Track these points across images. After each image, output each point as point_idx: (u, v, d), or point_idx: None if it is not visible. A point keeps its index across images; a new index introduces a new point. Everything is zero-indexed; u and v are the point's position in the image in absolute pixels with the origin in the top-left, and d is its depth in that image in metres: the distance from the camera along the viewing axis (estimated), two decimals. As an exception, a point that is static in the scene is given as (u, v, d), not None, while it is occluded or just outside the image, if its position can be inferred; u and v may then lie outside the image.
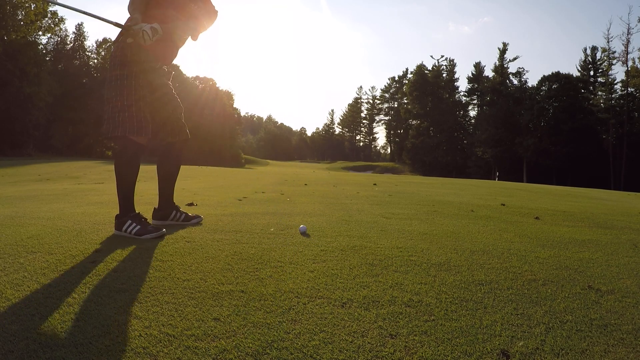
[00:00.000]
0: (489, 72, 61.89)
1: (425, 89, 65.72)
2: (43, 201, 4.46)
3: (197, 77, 51.92)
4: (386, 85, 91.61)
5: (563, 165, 45.57)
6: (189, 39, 2.74)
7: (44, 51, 44.52)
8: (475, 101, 64.98)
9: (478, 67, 63.59)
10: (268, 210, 3.64)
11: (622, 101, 45.41)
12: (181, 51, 2.78)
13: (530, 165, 49.25)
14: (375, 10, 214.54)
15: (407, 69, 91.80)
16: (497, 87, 54.96)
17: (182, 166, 2.96)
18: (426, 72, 67.66)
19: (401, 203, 4.62)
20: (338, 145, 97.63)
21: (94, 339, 1.21)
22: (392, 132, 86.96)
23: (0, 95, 35.04)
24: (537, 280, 1.84)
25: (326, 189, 6.88)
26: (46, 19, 41.29)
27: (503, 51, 56.84)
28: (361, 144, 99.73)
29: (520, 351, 1.21)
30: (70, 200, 4.59)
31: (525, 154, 48.65)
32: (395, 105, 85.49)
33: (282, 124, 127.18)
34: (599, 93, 48.71)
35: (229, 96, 53.70)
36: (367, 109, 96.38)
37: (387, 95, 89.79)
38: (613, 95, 46.58)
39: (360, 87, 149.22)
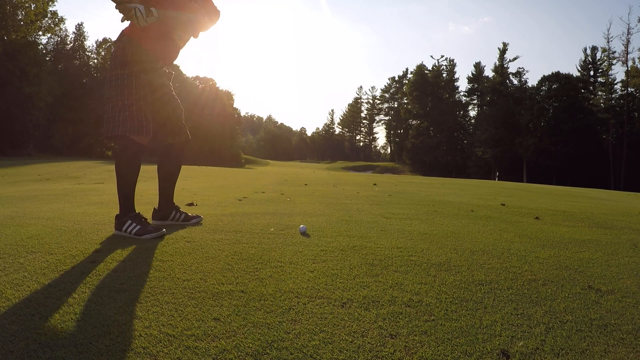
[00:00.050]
0: (489, 72, 62.08)
1: (425, 89, 65.73)
2: (43, 201, 4.46)
3: (197, 77, 51.92)
4: (386, 85, 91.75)
5: (563, 165, 45.58)
6: (189, 39, 2.73)
7: (44, 51, 44.48)
8: (475, 101, 65.00)
9: (478, 67, 63.62)
10: (268, 210, 3.64)
11: (622, 101, 45.42)
12: (181, 51, 2.78)
13: (530, 165, 49.25)
14: (375, 10, 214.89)
15: (407, 69, 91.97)
16: (497, 87, 54.96)
17: (182, 166, 2.96)
18: (426, 72, 67.65)
19: (401, 203, 4.62)
20: (338, 145, 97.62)
21: (94, 339, 1.21)
22: (392, 132, 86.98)
23: (0, 95, 35.03)
24: (537, 280, 1.84)
25: (326, 189, 6.88)
26: (46, 19, 41.21)
27: (503, 51, 56.86)
28: (361, 144, 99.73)
29: (520, 351, 1.21)
30: (70, 200, 4.59)
31: (525, 154, 48.65)
32: (395, 105, 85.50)
33: (282, 124, 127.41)
34: (599, 93, 48.71)
35: (229, 96, 53.70)
36: (367, 109, 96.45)
37: (387, 95, 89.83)
38: (613, 95, 46.59)
39: (360, 87, 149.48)
